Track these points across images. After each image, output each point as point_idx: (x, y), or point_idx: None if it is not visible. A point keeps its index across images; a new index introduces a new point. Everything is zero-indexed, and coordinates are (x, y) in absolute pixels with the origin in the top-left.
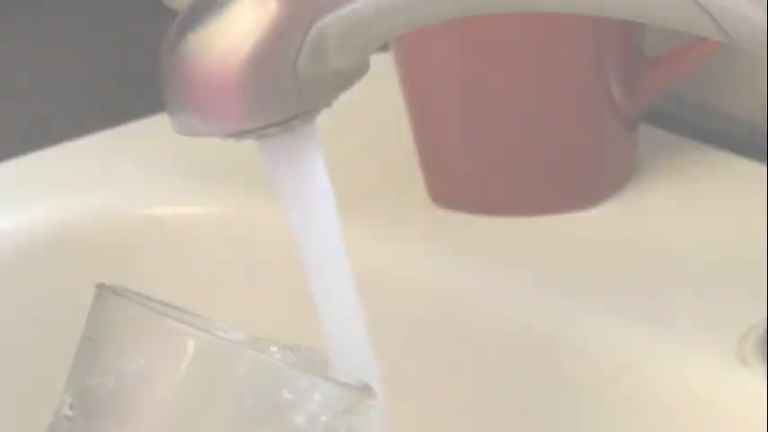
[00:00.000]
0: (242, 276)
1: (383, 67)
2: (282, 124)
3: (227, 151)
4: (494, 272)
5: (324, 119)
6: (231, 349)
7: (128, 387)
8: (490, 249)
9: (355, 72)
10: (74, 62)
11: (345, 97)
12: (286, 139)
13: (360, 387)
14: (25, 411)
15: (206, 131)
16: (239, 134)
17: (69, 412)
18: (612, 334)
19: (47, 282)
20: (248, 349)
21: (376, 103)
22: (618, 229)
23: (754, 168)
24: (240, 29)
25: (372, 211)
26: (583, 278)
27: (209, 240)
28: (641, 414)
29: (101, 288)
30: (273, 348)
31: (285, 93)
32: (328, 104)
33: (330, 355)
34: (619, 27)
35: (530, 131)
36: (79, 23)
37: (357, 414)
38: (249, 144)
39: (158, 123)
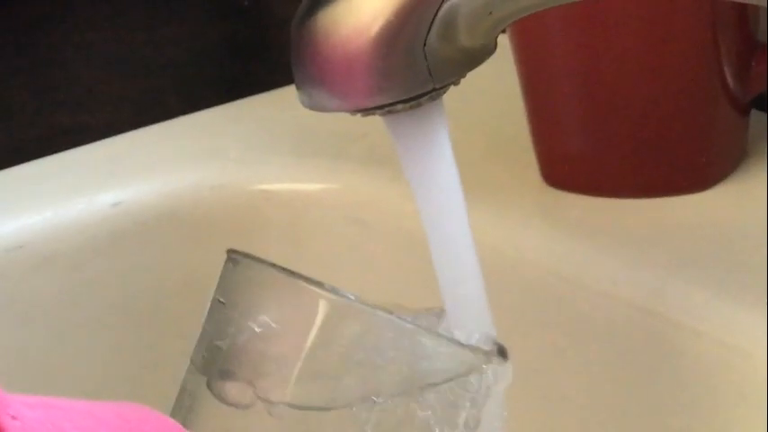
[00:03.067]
0: (353, 253)
1: (498, 47)
2: (411, 101)
3: (334, 129)
4: (605, 253)
5: None
6: (362, 311)
7: (258, 346)
8: (601, 230)
9: (483, 51)
10: (189, 39)
11: None
12: (413, 115)
13: (492, 350)
14: (143, 376)
15: (335, 107)
16: (367, 110)
17: (201, 369)
18: (723, 316)
19: (159, 254)
20: (380, 312)
21: (490, 83)
22: (728, 213)
23: None
24: (371, 6)
25: (486, 190)
26: (694, 261)
27: (319, 216)
28: (753, 396)
29: (232, 253)
30: (407, 312)
31: (415, 70)
32: (456, 82)
33: (450, 321)
34: (733, 12)
35: (643, 115)
36: (194, 0)
37: (488, 377)
38: (358, 122)
39: (269, 100)
